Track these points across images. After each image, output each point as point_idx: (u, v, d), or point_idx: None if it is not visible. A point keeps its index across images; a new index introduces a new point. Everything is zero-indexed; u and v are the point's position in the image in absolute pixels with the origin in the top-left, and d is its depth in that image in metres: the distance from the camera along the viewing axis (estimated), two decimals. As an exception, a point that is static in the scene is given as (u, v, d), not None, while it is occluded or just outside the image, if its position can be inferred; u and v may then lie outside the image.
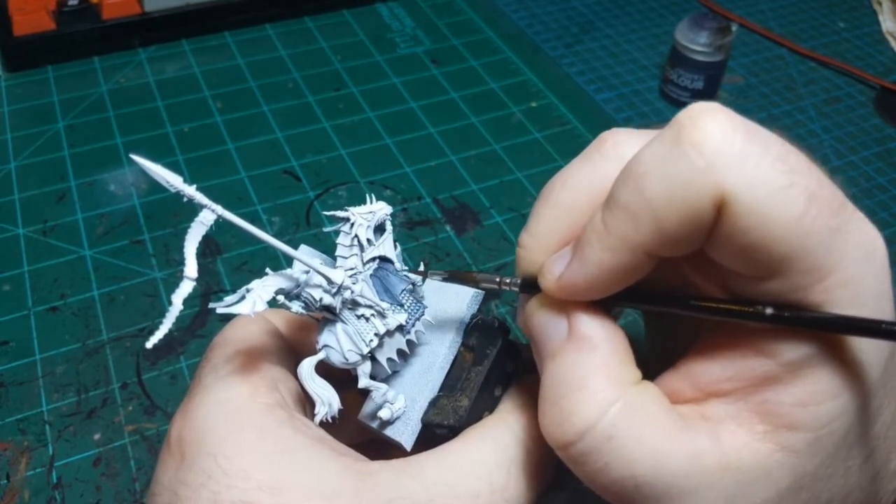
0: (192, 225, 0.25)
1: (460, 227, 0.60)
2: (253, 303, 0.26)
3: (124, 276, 0.55)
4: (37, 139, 0.66)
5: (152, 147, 0.65)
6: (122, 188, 0.62)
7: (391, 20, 0.83)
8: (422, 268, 0.32)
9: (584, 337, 0.25)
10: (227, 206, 0.26)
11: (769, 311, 0.23)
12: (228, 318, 0.27)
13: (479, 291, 0.33)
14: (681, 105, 0.72)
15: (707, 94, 0.72)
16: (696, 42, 0.69)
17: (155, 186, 0.61)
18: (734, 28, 0.70)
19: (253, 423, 0.27)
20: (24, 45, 0.72)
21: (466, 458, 0.28)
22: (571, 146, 0.68)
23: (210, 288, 0.54)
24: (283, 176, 0.63)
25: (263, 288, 0.26)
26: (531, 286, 0.28)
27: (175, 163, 0.64)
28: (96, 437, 0.46)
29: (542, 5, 0.87)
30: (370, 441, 0.33)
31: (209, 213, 0.25)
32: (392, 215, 0.31)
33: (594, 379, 0.25)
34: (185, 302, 0.25)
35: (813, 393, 0.23)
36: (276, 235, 0.56)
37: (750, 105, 0.74)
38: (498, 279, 0.30)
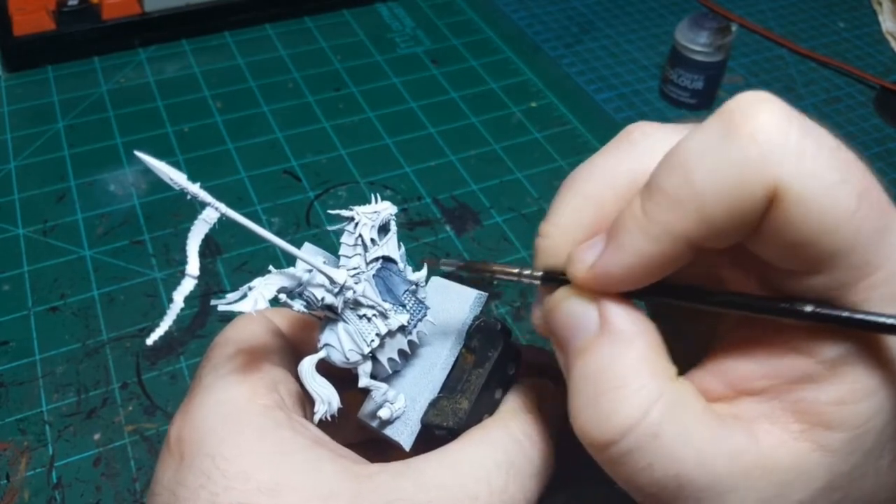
0: (195, 223, 0.25)
1: (460, 227, 0.60)
2: (255, 301, 0.26)
3: (124, 276, 0.55)
4: (37, 139, 0.66)
5: (152, 147, 0.65)
6: (122, 188, 0.62)
7: (391, 20, 0.83)
8: (424, 269, 0.32)
9: (619, 330, 0.24)
10: (224, 204, 0.26)
11: (809, 308, 0.23)
12: (229, 317, 0.27)
13: (483, 293, 0.33)
14: (681, 105, 0.72)
15: (707, 94, 0.72)
16: (696, 42, 0.69)
17: (155, 186, 0.61)
18: (734, 28, 0.70)
19: (252, 425, 0.27)
20: (24, 45, 0.72)
21: (465, 460, 0.28)
22: (571, 146, 0.68)
23: (210, 288, 0.54)
24: (283, 176, 0.63)
25: (265, 286, 0.26)
26: (553, 279, 0.27)
27: (175, 163, 0.63)
28: (96, 437, 0.46)
29: (542, 5, 0.87)
30: (370, 440, 0.33)
31: (212, 212, 0.25)
32: (395, 215, 0.31)
33: (634, 374, 0.23)
34: (186, 302, 0.25)
35: (851, 391, 0.23)
36: (276, 236, 0.56)
37: (750, 105, 0.74)
38: (517, 270, 0.28)
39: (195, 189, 0.25)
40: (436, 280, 0.34)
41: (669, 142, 0.24)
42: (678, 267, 0.24)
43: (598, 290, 0.25)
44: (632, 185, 0.25)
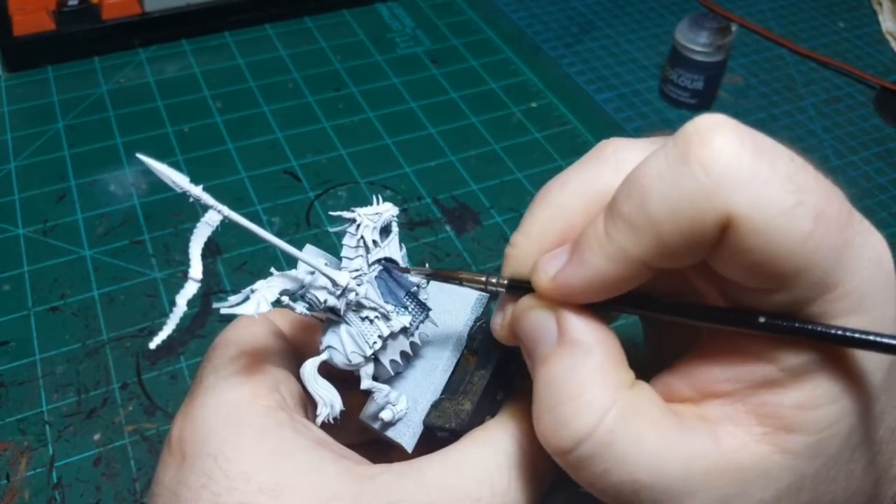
0: (198, 226, 0.25)
1: (460, 227, 0.60)
2: (257, 304, 0.26)
3: (124, 276, 0.55)
4: (37, 139, 0.66)
5: (152, 147, 0.65)
6: (122, 188, 0.62)
7: (391, 20, 0.83)
8: (419, 266, 0.32)
9: (576, 341, 0.25)
10: (227, 207, 0.26)
11: (762, 319, 0.23)
12: (229, 318, 0.27)
13: (484, 294, 0.33)
14: (681, 105, 0.72)
15: (707, 94, 0.72)
16: (696, 42, 0.69)
17: (155, 186, 0.61)
18: (734, 28, 0.70)
19: (253, 425, 0.27)
20: (24, 45, 0.72)
21: (468, 461, 0.28)
22: (571, 146, 0.68)
23: (210, 288, 0.54)
24: (283, 176, 0.63)
25: (268, 289, 0.26)
26: (519, 287, 0.28)
27: (175, 163, 0.64)
28: (96, 437, 0.46)
29: (542, 5, 0.87)
30: (372, 441, 0.33)
31: (215, 214, 0.25)
32: (397, 216, 0.31)
33: (589, 385, 0.24)
34: (186, 303, 0.25)
35: (812, 397, 0.23)
36: (276, 236, 0.56)
37: (750, 105, 0.74)
38: (484, 278, 0.29)
39: (198, 192, 0.24)
40: (436, 283, 0.33)
41: (639, 158, 0.24)
42: (636, 284, 0.25)
43: (560, 301, 0.26)
44: (600, 199, 0.25)
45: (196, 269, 0.25)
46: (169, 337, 0.25)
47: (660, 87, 0.75)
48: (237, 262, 0.56)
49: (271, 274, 0.27)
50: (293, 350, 0.33)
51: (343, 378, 0.29)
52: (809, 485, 0.24)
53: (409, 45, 0.80)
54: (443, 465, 0.28)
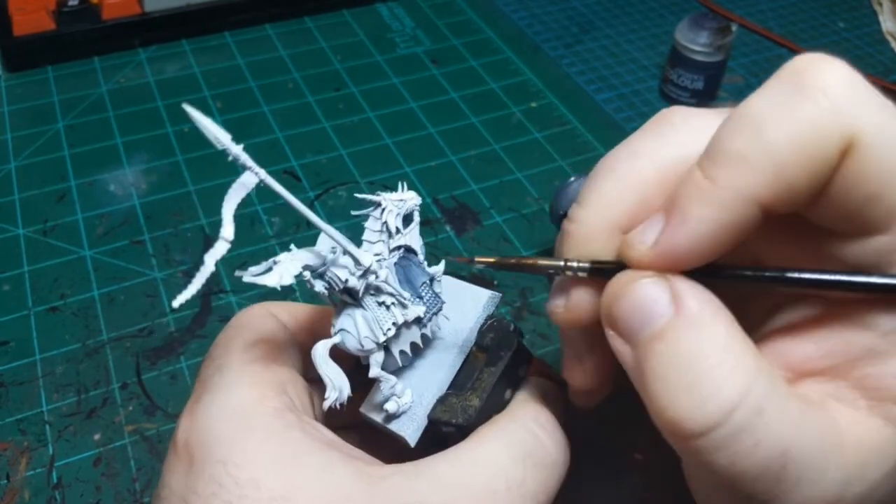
0: (233, 186, 0.25)
1: (460, 227, 0.60)
2: (280, 276, 0.26)
3: (124, 276, 0.55)
4: (37, 139, 0.66)
5: (152, 147, 0.65)
6: (122, 188, 0.62)
7: (391, 20, 0.83)
8: (442, 263, 0.31)
9: (697, 310, 0.23)
10: (266, 173, 0.26)
11: (880, 279, 0.22)
12: (229, 316, 0.27)
13: (497, 294, 0.33)
14: (681, 105, 0.72)
15: (707, 94, 0.71)
16: (696, 42, 0.69)
17: (155, 186, 0.61)
18: (734, 28, 0.70)
19: (261, 428, 0.27)
20: (24, 45, 0.72)
21: (480, 456, 0.27)
22: (571, 146, 0.68)
23: (210, 288, 0.54)
24: (283, 176, 0.63)
25: (291, 262, 0.26)
26: (602, 269, 0.25)
27: (175, 163, 0.64)
28: (96, 437, 0.46)
29: (542, 5, 0.87)
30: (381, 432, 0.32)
31: (251, 176, 0.25)
32: (420, 206, 0.30)
33: (726, 352, 0.22)
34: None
35: None
36: (275, 237, 0.56)
37: (750, 105, 0.74)
38: (562, 263, 0.26)
39: (237, 151, 0.24)
40: (449, 280, 0.33)
41: (711, 124, 0.23)
42: (746, 236, 0.23)
43: (663, 270, 0.24)
44: (677, 166, 0.24)
45: (228, 230, 0.24)
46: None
47: (660, 87, 0.75)
48: (237, 262, 0.56)
49: (291, 249, 0.27)
50: (300, 350, 0.32)
51: (348, 373, 0.29)
52: None
53: (409, 45, 0.80)
54: (456, 461, 0.27)
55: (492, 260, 0.28)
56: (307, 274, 0.27)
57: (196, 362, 0.49)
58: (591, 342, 0.29)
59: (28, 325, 0.52)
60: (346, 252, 0.27)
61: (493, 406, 0.30)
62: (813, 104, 0.22)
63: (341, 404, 0.28)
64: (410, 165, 0.65)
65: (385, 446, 0.31)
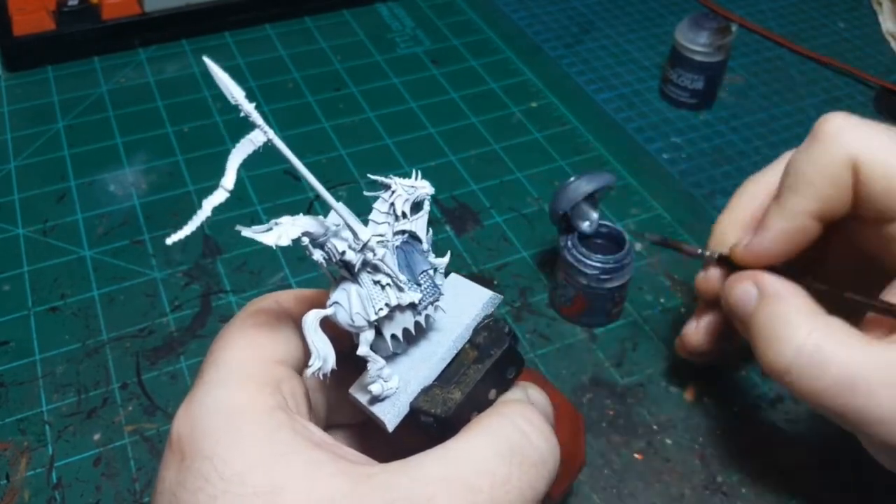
0: (242, 141, 0.26)
1: (460, 227, 0.60)
2: (278, 236, 0.26)
3: (124, 276, 0.55)
4: (37, 139, 0.66)
5: (152, 147, 0.65)
6: (122, 188, 0.62)
7: (391, 20, 0.83)
8: (447, 257, 0.31)
9: (774, 292, 0.36)
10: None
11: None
12: (229, 317, 0.27)
13: (498, 295, 0.33)
14: (681, 105, 0.72)
15: (707, 94, 0.71)
16: (696, 42, 0.69)
17: (155, 186, 0.61)
18: (734, 28, 0.70)
19: (251, 426, 0.27)
20: (24, 45, 0.72)
21: (466, 453, 0.27)
22: (571, 146, 0.68)
23: (210, 288, 0.54)
24: (283, 176, 0.63)
25: (293, 225, 0.26)
26: (724, 259, 0.41)
27: (175, 163, 0.64)
28: (96, 437, 0.46)
29: (542, 5, 0.87)
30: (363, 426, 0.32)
31: (260, 134, 0.26)
32: (431, 196, 0.31)
33: (794, 314, 0.34)
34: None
35: None
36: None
37: (750, 105, 0.74)
38: (700, 250, 0.43)
39: (249, 108, 0.25)
40: (454, 277, 0.33)
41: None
42: (809, 239, 0.37)
43: (753, 264, 0.38)
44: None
45: (229, 180, 0.26)
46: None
47: (660, 87, 0.75)
48: (237, 262, 0.56)
49: (298, 216, 0.27)
50: (299, 346, 0.32)
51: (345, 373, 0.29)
52: None
53: (409, 45, 0.80)
54: (441, 458, 0.27)
55: (658, 238, 0.47)
56: (306, 239, 0.27)
57: (196, 362, 0.49)
58: (710, 310, 0.44)
59: (28, 325, 0.52)
60: (346, 224, 0.27)
61: (476, 403, 0.30)
62: (822, 146, 0.35)
63: (324, 375, 0.28)
64: (410, 165, 0.65)
65: (384, 447, 0.31)
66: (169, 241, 0.25)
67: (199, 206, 0.26)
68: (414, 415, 0.30)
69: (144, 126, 0.68)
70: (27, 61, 0.73)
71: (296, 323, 0.32)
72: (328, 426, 0.34)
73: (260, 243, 0.26)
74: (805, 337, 0.33)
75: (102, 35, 0.74)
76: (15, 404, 0.47)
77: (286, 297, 0.33)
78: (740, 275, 0.38)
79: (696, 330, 0.44)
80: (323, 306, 0.29)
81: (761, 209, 0.39)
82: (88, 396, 0.48)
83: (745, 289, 0.37)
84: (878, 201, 0.34)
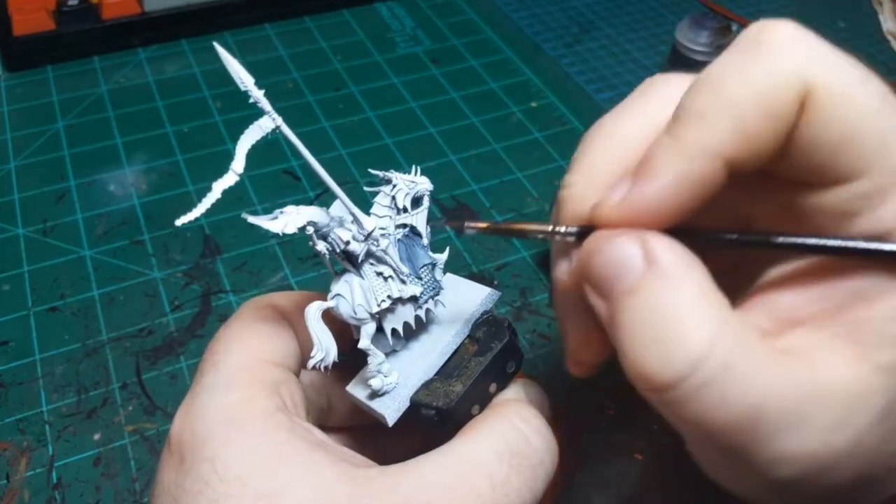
0: (251, 126, 0.27)
1: (460, 227, 0.60)
2: (284, 224, 0.26)
3: (124, 276, 0.55)
4: (37, 139, 0.66)
5: (152, 147, 0.65)
6: (122, 188, 0.62)
7: (391, 20, 0.83)
8: (446, 252, 0.31)
9: (669, 265, 0.23)
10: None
11: (857, 244, 0.23)
12: (227, 317, 0.27)
13: (496, 291, 0.33)
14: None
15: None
16: (697, 42, 0.69)
17: (155, 186, 0.61)
18: (734, 28, 0.70)
19: (251, 429, 0.27)
20: (24, 45, 0.72)
21: (464, 456, 0.27)
22: (571, 146, 0.67)
23: (210, 288, 0.54)
24: (283, 176, 0.63)
25: (298, 214, 0.27)
26: (590, 232, 0.25)
27: (175, 163, 0.64)
28: (96, 437, 0.46)
29: (542, 5, 0.87)
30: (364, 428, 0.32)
31: (269, 121, 0.27)
32: (431, 192, 0.31)
33: (695, 307, 0.22)
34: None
35: None
36: (275, 237, 0.56)
37: (750, 105, 0.74)
38: (550, 228, 0.27)
39: (258, 95, 0.27)
40: (451, 276, 0.33)
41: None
42: (713, 193, 0.24)
43: (632, 225, 0.24)
44: (658, 129, 0.25)
45: (238, 164, 0.27)
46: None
47: (660, 87, 0.75)
48: (237, 262, 0.56)
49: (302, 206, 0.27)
50: (297, 349, 0.32)
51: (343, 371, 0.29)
52: None
53: (409, 44, 0.80)
54: (440, 461, 0.27)
55: (483, 225, 0.29)
56: (310, 229, 0.27)
57: (196, 362, 0.49)
58: (587, 308, 0.27)
59: (28, 325, 0.52)
60: (350, 213, 0.27)
61: (477, 396, 0.30)
62: (766, 60, 0.23)
63: (325, 367, 0.28)
64: (410, 165, 0.65)
65: (384, 449, 0.31)
66: (178, 222, 0.26)
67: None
68: (414, 409, 0.30)
69: (144, 126, 0.67)
70: (27, 61, 0.73)
71: (293, 325, 0.32)
72: (322, 430, 0.34)
73: (266, 231, 0.26)
74: (708, 345, 0.21)
75: (102, 35, 0.74)
76: (15, 404, 0.47)
77: (283, 299, 0.33)
78: (617, 231, 0.24)
79: (580, 340, 0.30)
80: (324, 300, 0.29)
81: (636, 155, 0.25)
82: (88, 396, 0.48)
83: (624, 250, 0.23)
84: (821, 151, 0.23)
